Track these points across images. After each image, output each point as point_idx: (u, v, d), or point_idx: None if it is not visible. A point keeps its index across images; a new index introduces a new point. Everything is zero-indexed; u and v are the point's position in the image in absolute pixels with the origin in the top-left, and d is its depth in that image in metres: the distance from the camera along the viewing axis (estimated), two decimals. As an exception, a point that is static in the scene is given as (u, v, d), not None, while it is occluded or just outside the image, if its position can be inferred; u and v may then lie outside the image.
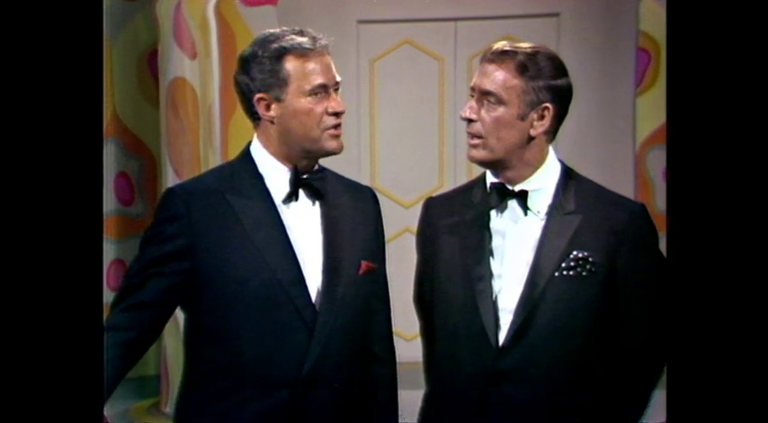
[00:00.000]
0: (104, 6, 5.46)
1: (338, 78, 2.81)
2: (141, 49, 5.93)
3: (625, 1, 6.18)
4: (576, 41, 6.31)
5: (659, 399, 2.65)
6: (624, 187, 5.82)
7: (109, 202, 5.63)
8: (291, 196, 2.82)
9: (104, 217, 5.58)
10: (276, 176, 2.82)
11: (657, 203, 6.04)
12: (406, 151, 6.24)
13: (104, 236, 5.52)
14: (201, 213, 2.78)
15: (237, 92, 2.84)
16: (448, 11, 6.28)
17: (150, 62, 5.90)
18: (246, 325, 2.76)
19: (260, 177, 2.83)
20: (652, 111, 6.06)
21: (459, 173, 5.56)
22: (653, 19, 6.05)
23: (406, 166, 6.19)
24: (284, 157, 2.82)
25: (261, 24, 5.37)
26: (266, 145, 2.83)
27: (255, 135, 2.87)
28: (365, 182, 6.40)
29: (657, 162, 6.19)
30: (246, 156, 2.87)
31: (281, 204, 2.81)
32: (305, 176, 2.83)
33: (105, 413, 2.76)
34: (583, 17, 6.32)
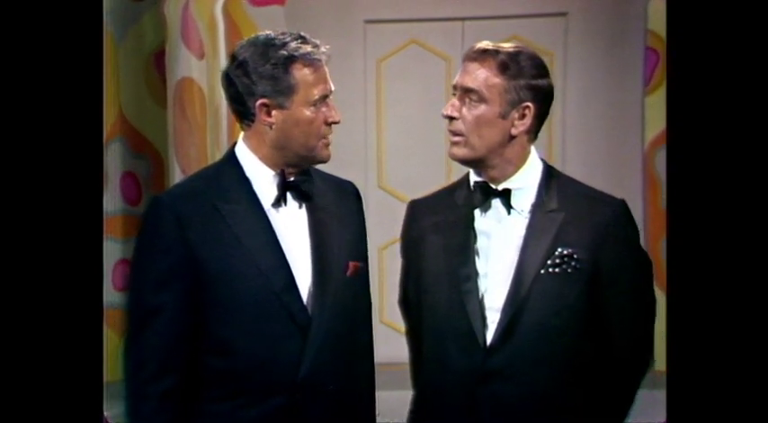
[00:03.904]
0: (110, 7, 5.49)
1: (333, 88, 2.81)
2: (148, 49, 5.93)
3: (633, 0, 6.16)
4: (583, 41, 6.31)
5: (659, 399, 2.65)
6: (632, 187, 5.83)
7: (115, 201, 5.63)
8: (279, 200, 2.80)
9: (111, 216, 5.59)
10: (263, 181, 2.81)
11: (665, 203, 6.03)
12: (413, 151, 6.25)
13: (111, 236, 5.52)
14: (190, 220, 2.75)
15: (231, 91, 2.80)
16: (455, 11, 6.29)
17: (157, 62, 5.89)
18: (241, 332, 2.75)
19: (247, 182, 2.81)
20: (660, 110, 6.04)
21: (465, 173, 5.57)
22: (661, 18, 6.02)
23: (413, 166, 6.20)
24: (273, 162, 2.80)
25: (268, 24, 5.37)
26: (255, 149, 2.81)
27: (242, 138, 2.85)
28: (372, 182, 6.42)
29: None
30: (232, 159, 2.85)
31: (270, 209, 2.80)
32: (292, 180, 2.82)
33: (105, 413, 2.76)
34: (591, 16, 6.32)
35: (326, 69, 2.79)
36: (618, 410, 2.93)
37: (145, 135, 5.96)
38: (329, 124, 2.79)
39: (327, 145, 2.81)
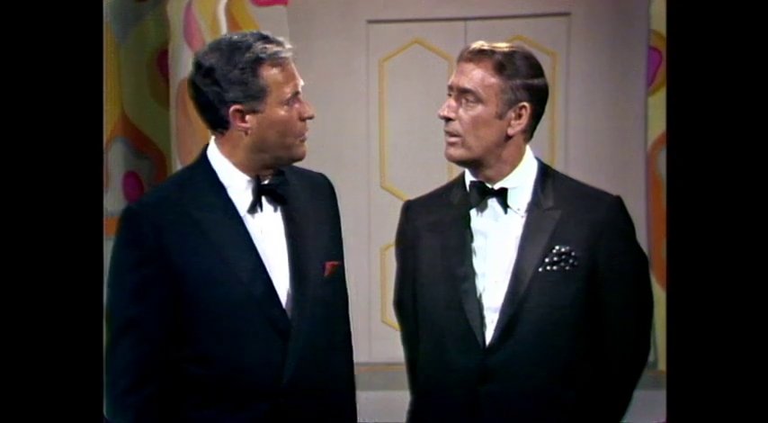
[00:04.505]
0: (113, 7, 5.49)
1: (302, 82, 2.79)
2: (151, 49, 5.92)
3: (636, 0, 6.15)
4: (587, 41, 6.30)
5: (659, 399, 2.65)
6: (635, 187, 5.82)
7: (118, 201, 5.63)
8: (255, 206, 2.79)
9: (113, 217, 5.58)
10: (238, 186, 2.78)
11: (668, 203, 6.01)
12: (415, 151, 6.24)
13: (113, 236, 5.52)
14: (167, 230, 2.73)
15: (200, 100, 2.76)
16: (458, 11, 6.28)
17: (160, 62, 5.88)
18: (221, 340, 2.74)
19: (222, 188, 2.78)
20: (664, 110, 6.01)
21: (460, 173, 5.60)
22: (664, 18, 6.01)
23: (414, 166, 6.19)
24: (248, 167, 2.78)
25: (271, 24, 5.37)
26: (229, 154, 2.77)
27: (214, 142, 2.81)
28: (375, 182, 6.40)
29: (669, 162, 6.15)
30: (205, 164, 2.81)
31: (246, 214, 2.78)
32: (266, 183, 2.80)
33: (105, 414, 2.75)
34: (594, 16, 6.31)
35: (294, 66, 2.76)
36: (617, 407, 2.93)
37: (147, 135, 5.95)
38: (304, 120, 2.77)
39: (304, 142, 2.79)
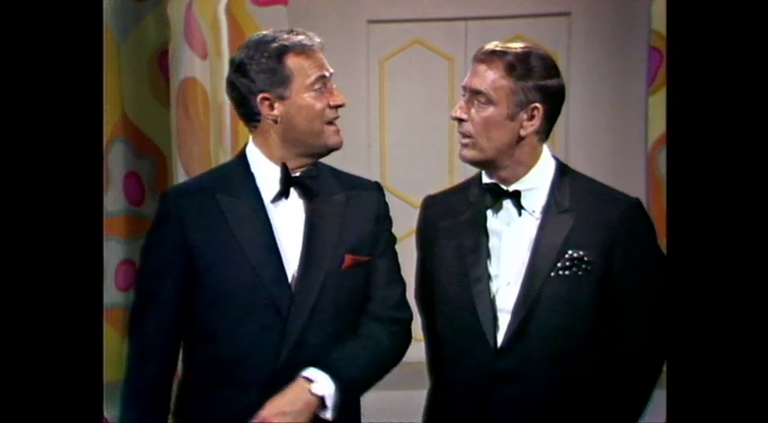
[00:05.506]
0: (113, 7, 5.49)
1: (331, 70, 2.86)
2: (151, 49, 5.92)
3: (637, 0, 6.15)
4: (587, 41, 6.30)
5: (659, 399, 2.65)
6: (635, 187, 5.80)
7: (118, 201, 5.64)
8: (281, 195, 2.84)
9: (114, 217, 5.59)
10: (268, 176, 2.85)
11: (668, 203, 6.00)
12: (416, 151, 6.24)
13: (114, 236, 5.52)
14: (189, 211, 2.82)
15: (234, 96, 2.87)
16: (458, 10, 6.28)
17: (161, 62, 5.88)
18: (226, 323, 2.79)
19: (251, 176, 2.86)
20: (665, 110, 6.00)
21: (468, 173, 5.57)
22: (665, 18, 6.00)
23: (415, 166, 6.19)
24: (279, 158, 2.85)
25: (271, 24, 5.35)
26: (263, 147, 2.86)
27: (251, 138, 2.90)
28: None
29: (669, 162, 6.15)
30: (242, 157, 2.91)
31: (270, 203, 2.84)
32: (296, 175, 2.84)
33: (105, 414, 2.76)
34: (594, 16, 6.30)
35: (321, 55, 2.85)
36: (631, 411, 2.91)
37: (148, 135, 5.95)
38: (333, 108, 2.83)
39: (337, 132, 2.85)
